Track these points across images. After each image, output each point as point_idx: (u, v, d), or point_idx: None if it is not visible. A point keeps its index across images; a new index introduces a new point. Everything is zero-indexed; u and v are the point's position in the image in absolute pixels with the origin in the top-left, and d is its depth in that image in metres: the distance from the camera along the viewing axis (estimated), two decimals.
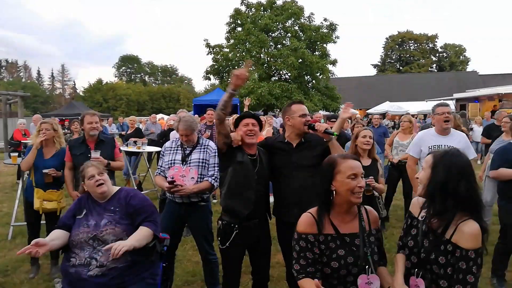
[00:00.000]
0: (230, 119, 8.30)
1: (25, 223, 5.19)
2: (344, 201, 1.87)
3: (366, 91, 39.17)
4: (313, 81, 25.72)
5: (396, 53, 54.79)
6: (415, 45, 54.12)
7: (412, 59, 53.38)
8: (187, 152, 3.43)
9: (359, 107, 33.48)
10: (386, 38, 56.12)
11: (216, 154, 3.44)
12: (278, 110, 23.39)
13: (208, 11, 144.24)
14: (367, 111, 26.92)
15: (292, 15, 25.07)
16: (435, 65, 54.01)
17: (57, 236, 2.52)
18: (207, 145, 3.49)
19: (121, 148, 6.38)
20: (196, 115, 12.07)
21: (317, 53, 25.40)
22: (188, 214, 3.39)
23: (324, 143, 2.89)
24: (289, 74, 24.36)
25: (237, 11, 26.08)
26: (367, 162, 3.75)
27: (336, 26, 25.70)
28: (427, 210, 1.80)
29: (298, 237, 1.90)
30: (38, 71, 74.17)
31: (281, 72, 25.20)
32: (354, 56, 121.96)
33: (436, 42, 54.03)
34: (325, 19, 25.80)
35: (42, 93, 58.32)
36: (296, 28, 25.66)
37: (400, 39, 54.14)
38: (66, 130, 15.01)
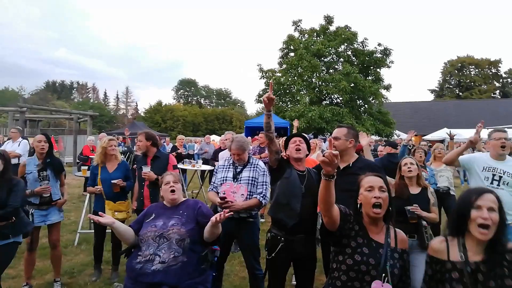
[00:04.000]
0: (281, 141, 8.56)
1: (90, 231, 5.73)
2: (366, 212, 2.08)
3: (422, 116, 37.71)
4: (366, 105, 25.36)
5: (455, 78, 52.32)
6: (476, 70, 51.44)
7: (473, 84, 50.67)
8: (238, 170, 3.67)
9: (415, 133, 32.23)
10: (445, 63, 54.03)
11: (265, 173, 3.65)
12: (329, 134, 23.25)
13: (263, 38, 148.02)
14: (423, 137, 25.84)
15: (345, 40, 25.15)
16: (498, 91, 50.82)
17: (126, 228, 2.89)
18: (257, 164, 3.71)
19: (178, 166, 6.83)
20: (249, 137, 12.46)
21: (370, 77, 25.12)
22: (237, 229, 3.58)
23: (375, 168, 2.94)
24: (340, 98, 24.27)
25: (290, 37, 26.64)
26: (416, 190, 3.63)
27: (391, 50, 25.35)
28: (488, 247, 1.81)
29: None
30: (105, 93, 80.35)
31: (332, 96, 25.16)
32: (410, 81, 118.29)
33: (500, 67, 51.00)
34: (379, 44, 25.58)
35: (107, 113, 62.66)
36: (349, 53, 25.66)
37: (459, 64, 51.80)
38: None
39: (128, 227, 2.93)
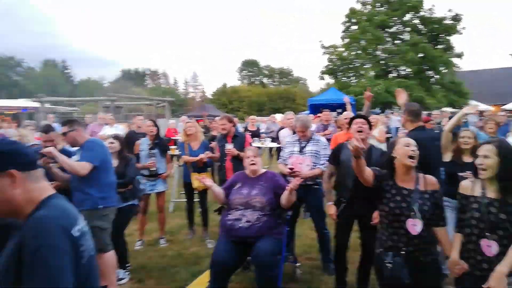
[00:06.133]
0: (343, 118, 9.00)
1: (181, 200, 6.85)
2: (402, 163, 2.57)
3: (503, 84, 34.68)
4: (436, 76, 24.25)
5: None
6: None
7: None
8: (303, 145, 4.35)
9: (494, 102, 29.96)
10: None
11: (327, 147, 4.32)
12: (397, 108, 22.72)
13: (323, 13, 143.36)
14: (503, 107, 24.02)
15: (411, 8, 24.07)
16: None
17: (220, 191, 3.74)
18: (319, 139, 4.39)
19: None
20: (311, 115, 12.99)
21: (440, 46, 23.89)
22: (305, 194, 4.25)
23: None
24: (408, 70, 23.50)
25: (352, 10, 26.14)
26: (469, 159, 3.87)
27: (461, 16, 23.77)
28: (500, 187, 2.38)
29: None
30: (175, 78, 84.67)
31: (399, 69, 24.43)
32: (488, 47, 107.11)
33: None
34: (450, 10, 24.10)
35: (178, 97, 66.15)
36: (416, 21, 24.54)
37: None
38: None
39: (221, 190, 3.78)
